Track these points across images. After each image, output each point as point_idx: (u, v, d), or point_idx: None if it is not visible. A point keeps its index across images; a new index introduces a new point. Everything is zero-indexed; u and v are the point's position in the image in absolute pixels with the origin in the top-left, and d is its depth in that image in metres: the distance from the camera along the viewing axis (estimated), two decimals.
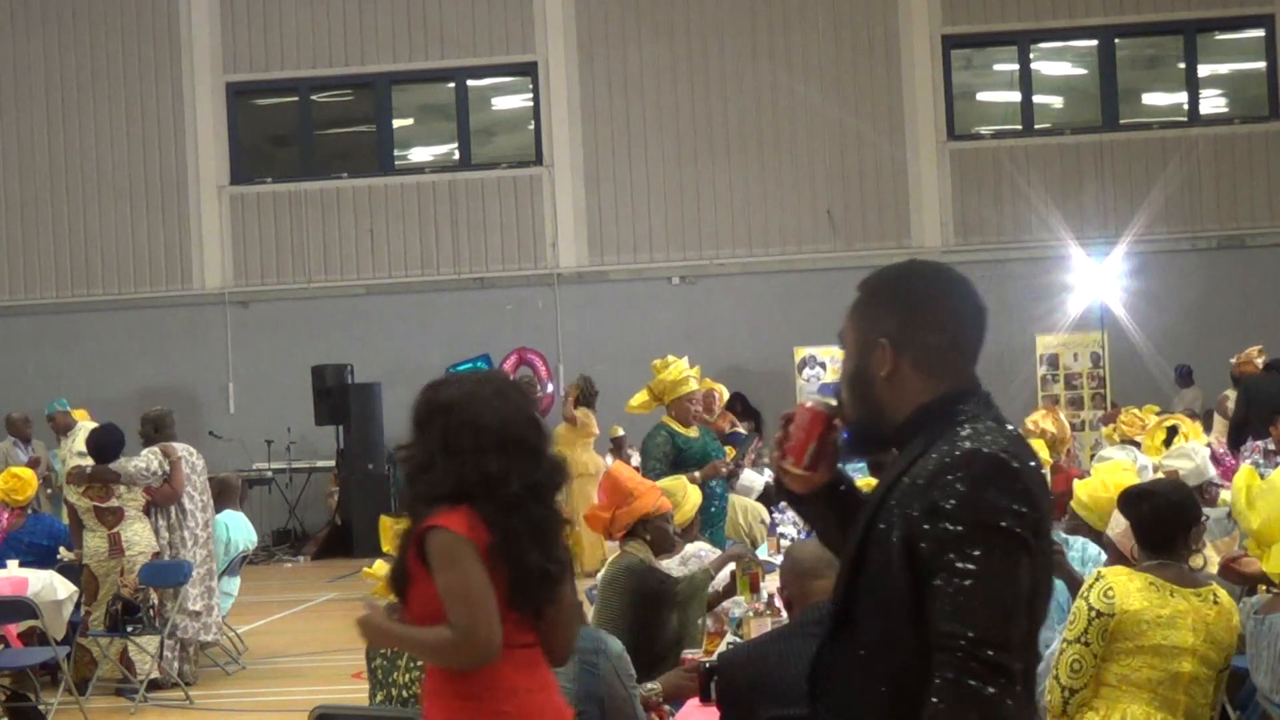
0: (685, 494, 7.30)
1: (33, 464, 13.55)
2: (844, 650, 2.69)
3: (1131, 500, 5.15)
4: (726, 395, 14.23)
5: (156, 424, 10.67)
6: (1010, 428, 2.78)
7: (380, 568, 4.91)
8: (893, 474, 2.70)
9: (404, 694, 4.64)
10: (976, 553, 2.51)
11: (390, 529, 4.91)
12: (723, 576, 6.86)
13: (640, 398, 9.76)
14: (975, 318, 2.95)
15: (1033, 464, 2.67)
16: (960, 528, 2.53)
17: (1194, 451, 8.35)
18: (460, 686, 3.55)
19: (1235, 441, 12.18)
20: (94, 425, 11.04)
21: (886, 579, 2.60)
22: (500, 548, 3.51)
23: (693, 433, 9.56)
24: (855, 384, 2.79)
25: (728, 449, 10.30)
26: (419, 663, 4.56)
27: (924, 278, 2.89)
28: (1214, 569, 6.01)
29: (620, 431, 15.73)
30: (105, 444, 10.32)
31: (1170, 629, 4.79)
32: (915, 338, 2.80)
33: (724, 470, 9.73)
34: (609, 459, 15.28)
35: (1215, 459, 9.25)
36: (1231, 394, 13.80)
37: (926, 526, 2.55)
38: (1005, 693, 2.47)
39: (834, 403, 2.78)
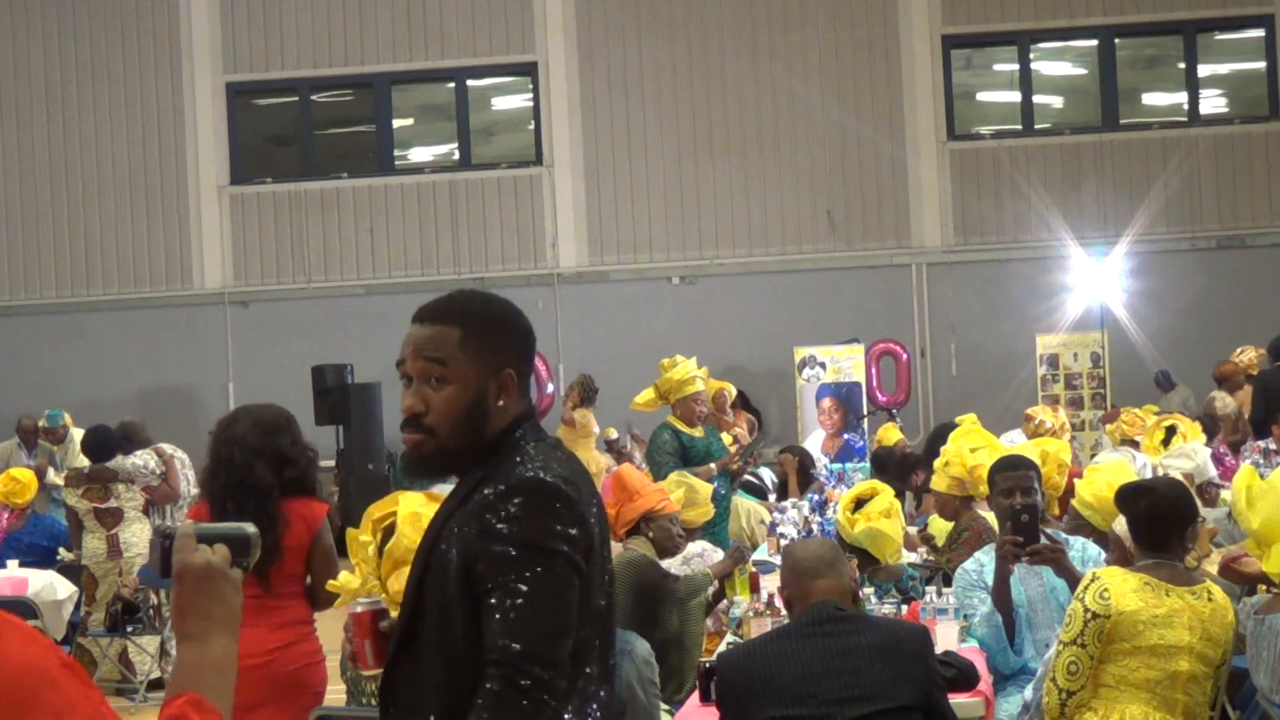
0: (704, 497, 7.33)
1: (39, 471, 13.48)
2: (409, 667, 2.85)
3: (1128, 496, 5.15)
4: (735, 393, 14.26)
5: (127, 435, 10.67)
6: (560, 452, 2.94)
7: (347, 580, 4.91)
8: (457, 497, 2.87)
9: (374, 701, 4.67)
10: (529, 573, 2.69)
11: (356, 540, 4.96)
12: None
13: (646, 395, 9.78)
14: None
15: (585, 490, 2.85)
16: (515, 549, 2.71)
17: (1194, 451, 8.36)
18: None
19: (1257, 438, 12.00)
20: (77, 429, 11.06)
21: (445, 599, 2.78)
22: None
23: (698, 432, 9.58)
24: (471, 415, 2.89)
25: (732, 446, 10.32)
26: None
27: (512, 308, 3.02)
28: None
29: (614, 434, 15.73)
30: (99, 444, 10.34)
31: (1166, 628, 4.79)
32: (525, 366, 2.97)
33: (735, 465, 9.79)
34: (608, 458, 15.28)
35: (1217, 459, 9.26)
36: (1219, 394, 13.75)
37: (483, 547, 2.73)
38: (545, 708, 2.65)
39: (380, 599, 2.98)
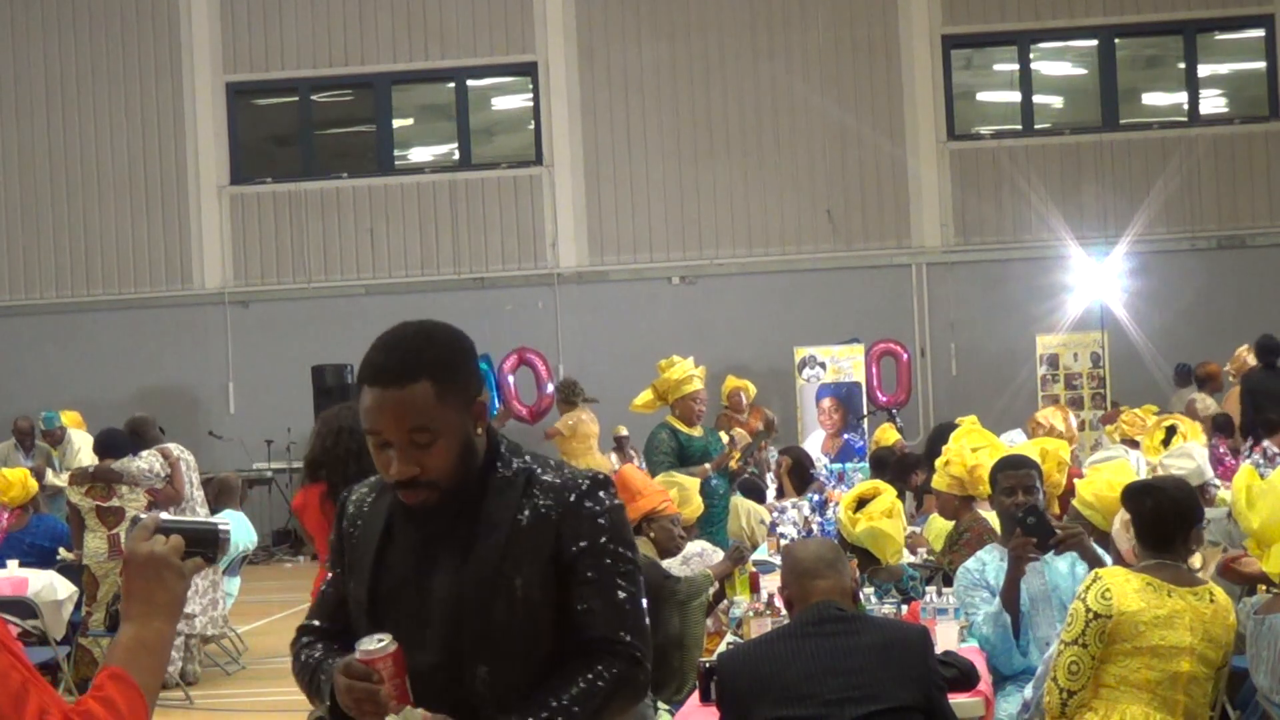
0: (693, 493, 7.35)
1: (38, 473, 13.45)
2: (479, 672, 2.84)
3: (1135, 495, 5.14)
4: (753, 391, 14.26)
5: (137, 431, 10.68)
6: None
7: None
8: (506, 515, 2.86)
9: None
10: (629, 566, 2.88)
11: None
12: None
13: (645, 397, 9.78)
14: None
15: None
16: (617, 546, 2.87)
17: (1194, 451, 8.35)
18: None
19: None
20: (83, 432, 11.06)
21: (529, 608, 2.82)
22: None
23: (696, 432, 9.58)
24: (464, 457, 2.87)
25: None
26: None
27: (458, 334, 3.01)
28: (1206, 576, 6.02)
29: (624, 431, 15.72)
30: (111, 442, 10.35)
31: (1168, 629, 4.78)
32: (484, 391, 2.99)
33: (734, 465, 9.80)
34: (613, 458, 15.28)
35: (1216, 459, 9.25)
36: (1200, 397, 13.76)
37: (585, 544, 2.84)
38: (646, 689, 2.92)
39: (388, 638, 2.78)
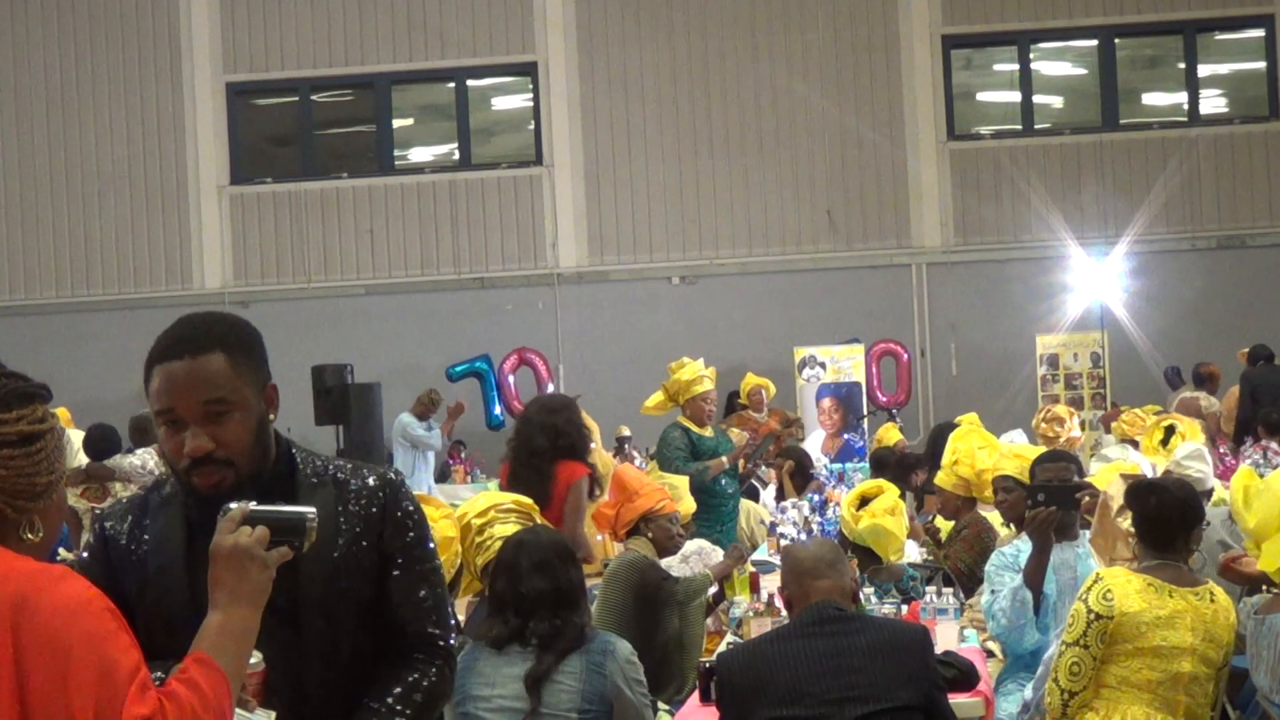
0: (684, 490, 7.37)
1: None
2: (313, 671, 2.84)
3: (1139, 494, 5.14)
4: (773, 390, 14.23)
5: (140, 428, 10.70)
6: None
7: None
8: (329, 520, 2.84)
9: None
10: (434, 563, 2.97)
11: None
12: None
13: (655, 399, 9.79)
14: None
15: None
16: (425, 544, 2.96)
17: (1205, 454, 8.32)
18: None
19: (1239, 439, 12.10)
20: (75, 430, 11.06)
21: (357, 599, 2.86)
22: None
23: (707, 432, 9.60)
24: (259, 436, 2.85)
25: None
26: None
27: (249, 323, 3.01)
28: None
29: (626, 431, 15.71)
30: (102, 442, 10.35)
31: (1169, 629, 4.78)
32: (272, 380, 2.96)
33: (742, 466, 9.81)
34: (614, 457, 15.27)
35: (1217, 459, 9.24)
36: (1203, 395, 13.78)
37: (401, 542, 2.92)
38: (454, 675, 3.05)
39: (258, 656, 2.65)
